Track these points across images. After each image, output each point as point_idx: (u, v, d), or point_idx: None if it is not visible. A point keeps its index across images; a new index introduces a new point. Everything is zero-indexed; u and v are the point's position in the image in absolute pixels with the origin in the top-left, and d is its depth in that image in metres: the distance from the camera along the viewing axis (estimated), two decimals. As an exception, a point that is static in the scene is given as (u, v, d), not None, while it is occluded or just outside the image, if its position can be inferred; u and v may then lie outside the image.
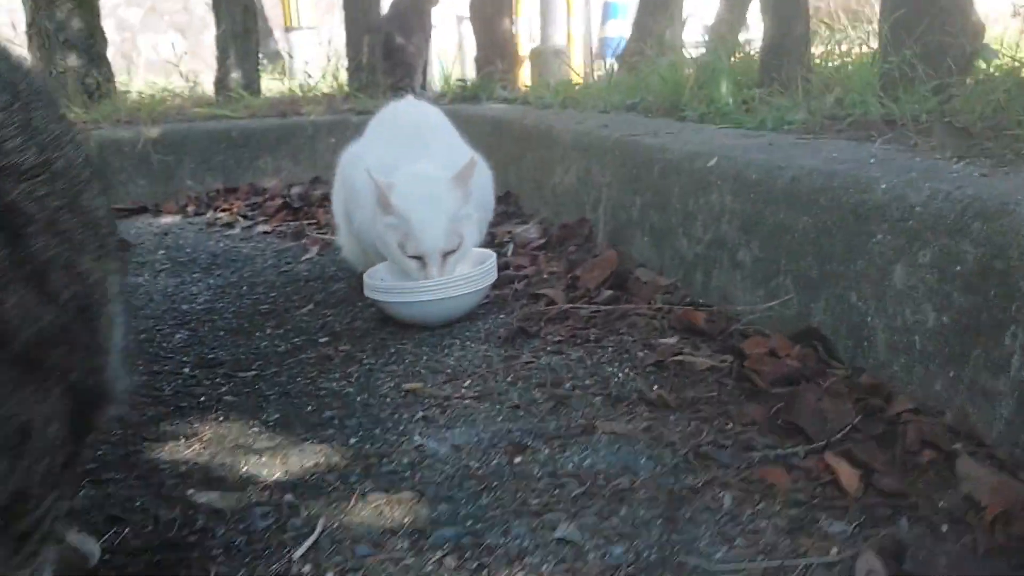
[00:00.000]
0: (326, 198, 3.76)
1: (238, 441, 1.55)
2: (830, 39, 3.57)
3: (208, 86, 6.21)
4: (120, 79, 5.84)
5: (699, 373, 1.72)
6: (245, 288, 2.70)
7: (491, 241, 2.95)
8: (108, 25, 5.82)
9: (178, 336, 2.22)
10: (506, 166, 3.83)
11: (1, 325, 0.68)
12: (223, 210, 4.02)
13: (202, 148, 4.56)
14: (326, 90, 5.94)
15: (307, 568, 1.14)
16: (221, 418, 1.66)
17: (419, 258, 2.13)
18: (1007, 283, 1.27)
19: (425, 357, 1.97)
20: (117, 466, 1.46)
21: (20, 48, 5.39)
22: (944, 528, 1.11)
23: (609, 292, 2.25)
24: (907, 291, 1.48)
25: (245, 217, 3.90)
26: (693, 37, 5.57)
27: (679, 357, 1.79)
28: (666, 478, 1.33)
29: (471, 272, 2.15)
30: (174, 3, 12.51)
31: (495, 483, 1.34)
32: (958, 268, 1.36)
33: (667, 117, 3.36)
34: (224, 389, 1.82)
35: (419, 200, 2.14)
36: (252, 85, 5.97)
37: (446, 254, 2.13)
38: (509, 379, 1.78)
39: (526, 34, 8.60)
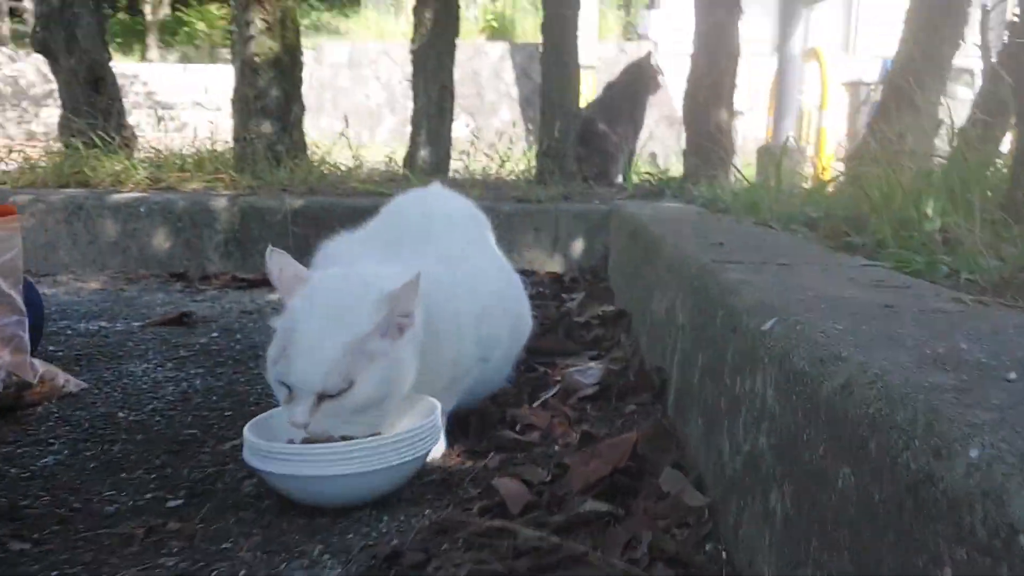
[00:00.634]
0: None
1: None
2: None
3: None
4: (341, 153, 5.86)
5: None
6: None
7: (539, 379, 2.24)
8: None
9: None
10: (630, 279, 3.09)
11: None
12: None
13: (341, 223, 4.29)
14: (507, 175, 5.53)
15: None
16: None
17: (289, 388, 1.51)
18: None
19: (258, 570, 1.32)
20: None
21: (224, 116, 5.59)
22: None
23: (595, 505, 1.46)
24: None
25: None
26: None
27: None
28: None
29: (359, 444, 1.48)
30: (467, 88, 13.04)
31: None
32: None
33: (836, 239, 2.48)
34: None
35: (316, 309, 1.52)
36: (441, 164, 5.74)
37: (323, 397, 1.48)
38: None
39: (762, 126, 7.70)
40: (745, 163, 6.25)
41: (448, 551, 1.34)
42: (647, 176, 5.08)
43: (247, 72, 5.30)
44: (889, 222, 2.40)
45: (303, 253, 1.68)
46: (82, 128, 5.26)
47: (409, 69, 5.81)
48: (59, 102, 5.54)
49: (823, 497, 1.01)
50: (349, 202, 4.37)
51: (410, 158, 5.78)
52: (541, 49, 5.50)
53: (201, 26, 19.29)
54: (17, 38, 16.63)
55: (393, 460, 1.51)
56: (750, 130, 9.14)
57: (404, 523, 1.49)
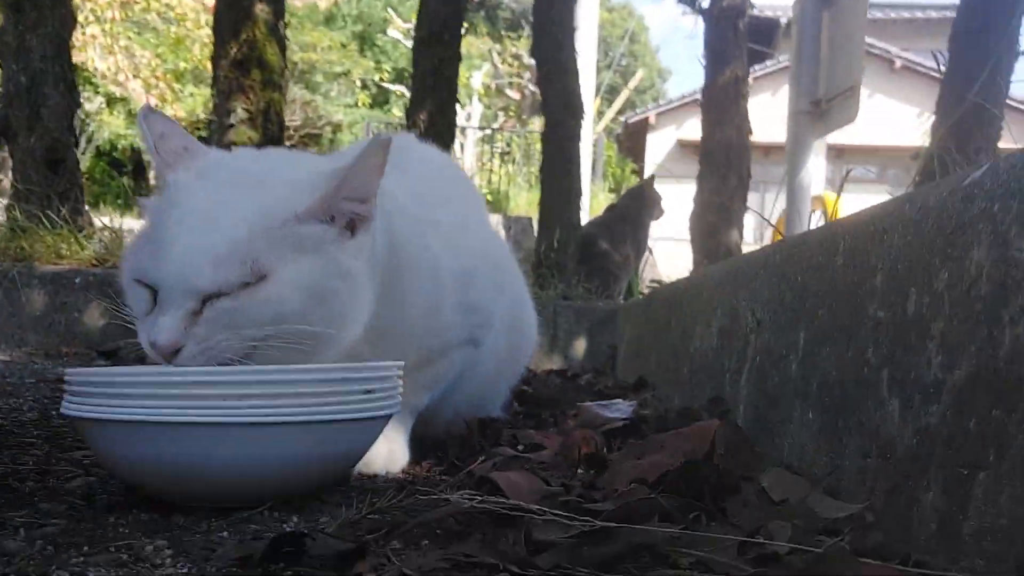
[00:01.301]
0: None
1: None
2: None
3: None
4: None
5: None
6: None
7: (543, 419, 1.62)
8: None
9: None
10: (649, 347, 2.51)
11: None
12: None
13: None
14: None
15: None
16: None
17: (152, 291, 0.94)
18: None
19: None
20: None
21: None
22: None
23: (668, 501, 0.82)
24: None
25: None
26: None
27: None
28: None
29: (282, 371, 0.87)
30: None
31: None
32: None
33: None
34: None
35: (214, 183, 0.99)
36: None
37: (207, 298, 0.89)
38: None
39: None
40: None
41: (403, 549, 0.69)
42: (653, 284, 4.58)
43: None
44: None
45: None
46: (31, 210, 4.77)
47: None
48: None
49: None
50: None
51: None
52: (540, 158, 5.17)
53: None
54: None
55: (338, 410, 0.88)
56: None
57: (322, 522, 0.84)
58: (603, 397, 2.22)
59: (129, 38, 16.09)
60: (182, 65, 17.18)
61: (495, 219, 13.21)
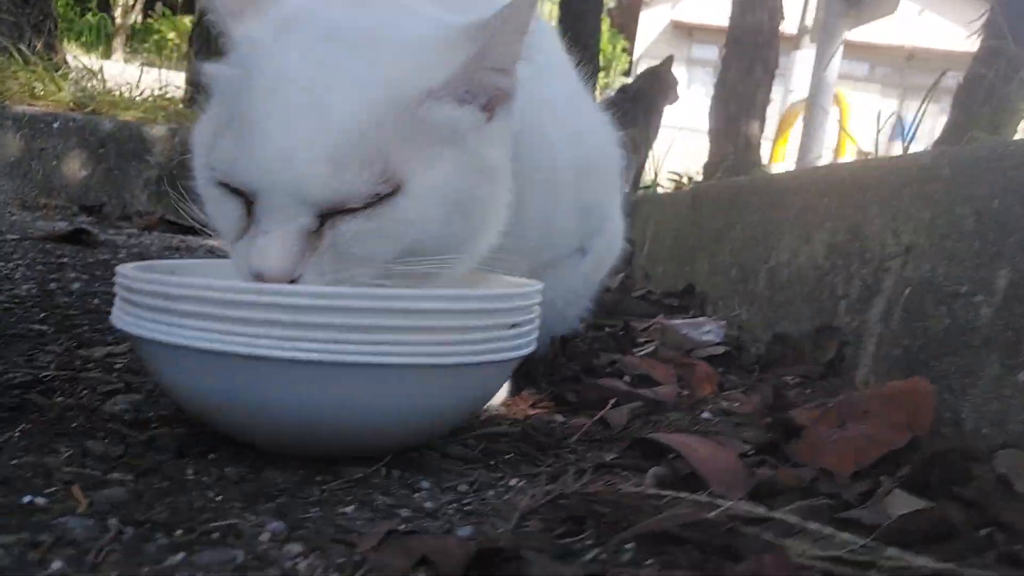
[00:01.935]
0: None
1: None
2: None
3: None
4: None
5: None
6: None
7: (616, 335, 1.43)
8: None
9: None
10: (696, 252, 2.30)
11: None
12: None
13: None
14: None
15: None
16: None
17: (246, 200, 0.67)
18: None
19: None
20: None
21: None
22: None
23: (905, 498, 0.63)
24: None
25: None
26: None
27: None
28: None
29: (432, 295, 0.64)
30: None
31: None
32: None
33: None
34: None
35: (313, 42, 0.71)
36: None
37: (326, 214, 0.65)
38: None
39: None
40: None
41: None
42: (672, 176, 4.35)
43: (213, 5, 4.45)
44: None
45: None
46: (1, 42, 4.32)
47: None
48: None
49: None
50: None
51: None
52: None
53: (172, 36, 18.43)
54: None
55: (483, 350, 0.67)
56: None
57: (466, 498, 0.64)
58: (652, 305, 2.04)
59: None
60: None
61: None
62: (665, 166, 4.82)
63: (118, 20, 17.87)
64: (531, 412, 0.96)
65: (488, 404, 0.94)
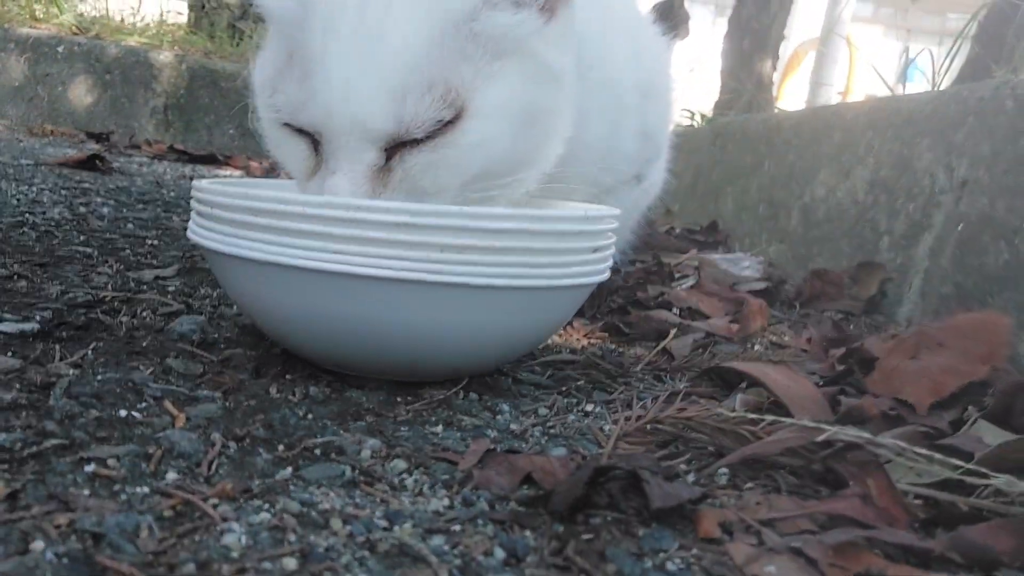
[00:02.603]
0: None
1: None
2: None
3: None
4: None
5: None
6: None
7: (652, 269, 1.42)
8: None
9: None
10: (720, 188, 2.28)
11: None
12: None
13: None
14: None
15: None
16: None
17: (312, 140, 0.66)
18: None
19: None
20: None
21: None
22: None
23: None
24: None
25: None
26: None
27: None
28: None
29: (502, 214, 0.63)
30: None
31: None
32: None
33: None
34: None
35: None
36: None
37: (393, 147, 0.64)
38: None
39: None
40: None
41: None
42: (685, 112, 4.29)
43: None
44: None
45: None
46: (-2, -39, 4.19)
47: None
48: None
49: None
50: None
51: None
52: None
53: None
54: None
55: (570, 273, 0.66)
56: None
57: (558, 418, 0.64)
58: (681, 240, 2.03)
59: None
60: None
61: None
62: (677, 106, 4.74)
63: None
64: (586, 343, 0.96)
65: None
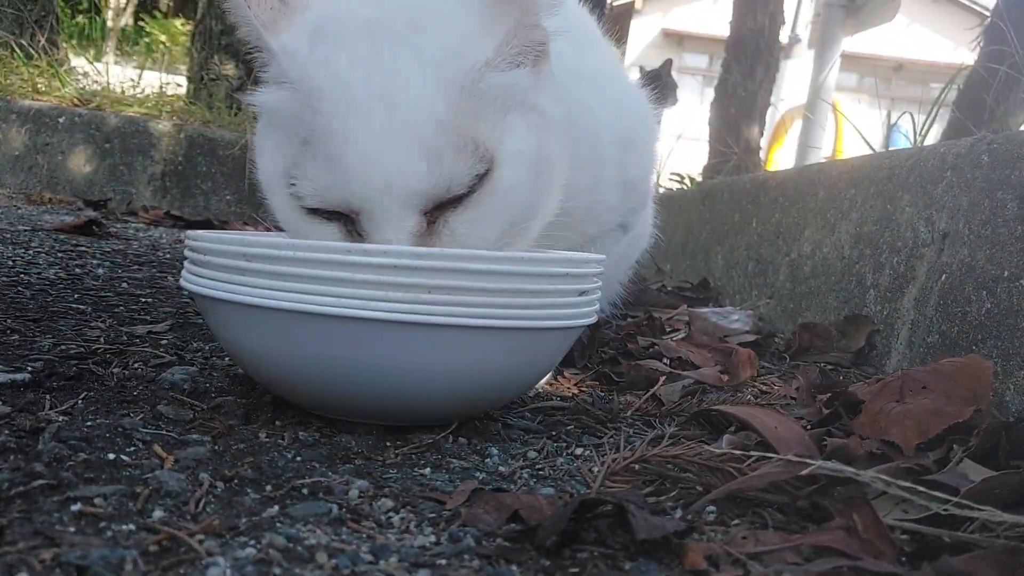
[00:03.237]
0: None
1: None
2: None
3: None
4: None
5: None
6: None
7: (644, 322, 1.43)
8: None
9: None
10: (710, 247, 2.31)
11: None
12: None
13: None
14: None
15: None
16: None
17: (345, 222, 0.69)
18: None
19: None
20: None
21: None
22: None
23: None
24: None
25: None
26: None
27: None
28: None
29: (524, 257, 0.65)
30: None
31: None
32: None
33: None
34: None
35: (343, 34, 0.71)
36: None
37: (433, 209, 0.67)
38: None
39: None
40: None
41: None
42: (675, 177, 4.36)
43: (215, 2, 4.45)
44: None
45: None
46: (3, 37, 4.30)
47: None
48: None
49: None
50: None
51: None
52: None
53: (163, 39, 18.36)
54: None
55: (558, 315, 0.68)
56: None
57: (544, 461, 0.65)
58: (671, 296, 2.05)
59: None
60: None
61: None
62: (665, 170, 4.84)
63: (109, 23, 17.77)
64: (576, 391, 0.97)
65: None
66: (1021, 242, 1.01)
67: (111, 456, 0.58)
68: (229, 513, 0.52)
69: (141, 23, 19.63)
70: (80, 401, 0.72)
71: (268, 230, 0.73)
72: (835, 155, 6.28)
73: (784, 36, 6.02)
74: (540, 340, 0.69)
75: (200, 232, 0.72)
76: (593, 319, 0.76)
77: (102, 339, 0.94)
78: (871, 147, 3.10)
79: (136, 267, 1.65)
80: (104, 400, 0.72)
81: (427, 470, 0.64)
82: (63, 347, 0.87)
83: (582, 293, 0.72)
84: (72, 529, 0.47)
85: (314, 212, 0.69)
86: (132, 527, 0.48)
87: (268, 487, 0.56)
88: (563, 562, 0.49)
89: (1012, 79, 2.76)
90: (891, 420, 0.74)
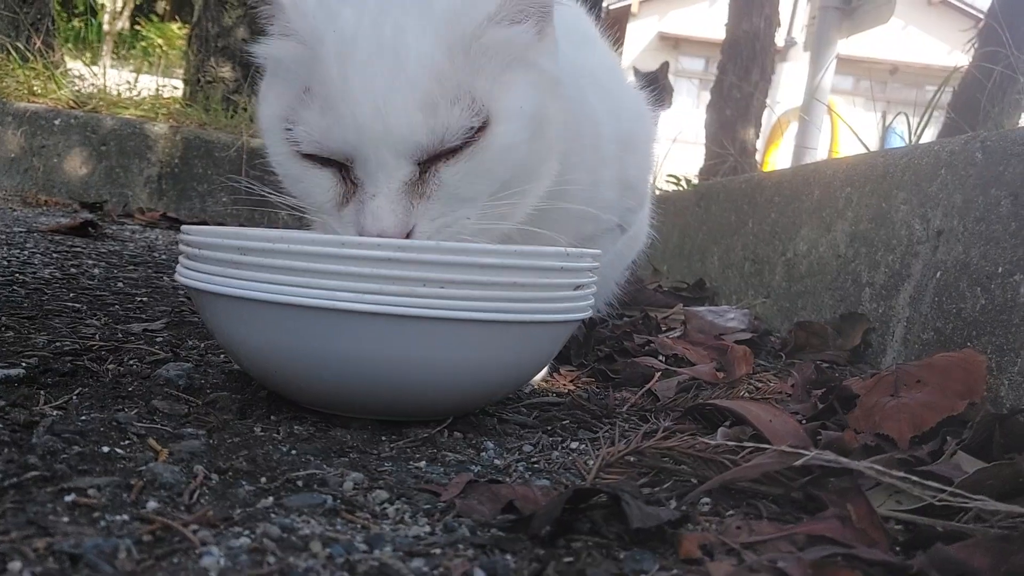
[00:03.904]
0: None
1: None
2: None
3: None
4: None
5: None
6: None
7: (640, 321, 1.43)
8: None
9: None
10: (706, 247, 2.32)
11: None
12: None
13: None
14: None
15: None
16: None
17: (339, 168, 0.68)
18: None
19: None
20: None
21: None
22: None
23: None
24: None
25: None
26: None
27: None
28: None
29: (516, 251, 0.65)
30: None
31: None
32: None
33: None
34: None
35: (359, 5, 0.71)
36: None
37: (427, 161, 0.66)
38: None
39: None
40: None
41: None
42: (671, 179, 4.36)
43: (211, 5, 4.45)
44: None
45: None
46: (-1, 40, 4.29)
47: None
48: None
49: None
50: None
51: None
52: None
53: (160, 42, 18.36)
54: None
55: (554, 308, 0.68)
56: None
57: (540, 454, 0.65)
58: (667, 296, 2.05)
59: None
60: None
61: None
62: (661, 172, 4.84)
63: (105, 26, 17.76)
64: (572, 388, 0.97)
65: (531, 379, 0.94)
66: (1015, 238, 1.01)
67: (105, 449, 0.58)
68: (223, 504, 0.52)
69: (137, 26, 19.65)
70: (75, 396, 0.71)
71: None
72: (832, 155, 6.29)
73: (780, 39, 6.04)
74: (536, 334, 0.69)
75: (194, 226, 0.72)
76: (588, 313, 0.76)
77: (97, 336, 0.94)
78: (867, 148, 3.11)
79: (132, 267, 1.65)
80: (99, 395, 0.72)
81: (422, 463, 0.64)
82: (58, 344, 0.87)
83: (577, 287, 0.72)
84: (65, 519, 0.47)
85: (309, 158, 0.70)
86: (126, 517, 0.48)
87: (263, 479, 0.56)
88: (558, 551, 0.49)
89: (1007, 79, 2.78)
90: (886, 414, 0.74)
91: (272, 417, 0.71)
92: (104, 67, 4.67)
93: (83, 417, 0.65)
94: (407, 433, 0.70)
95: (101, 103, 3.85)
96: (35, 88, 3.79)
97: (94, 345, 0.89)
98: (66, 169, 3.35)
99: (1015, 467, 0.60)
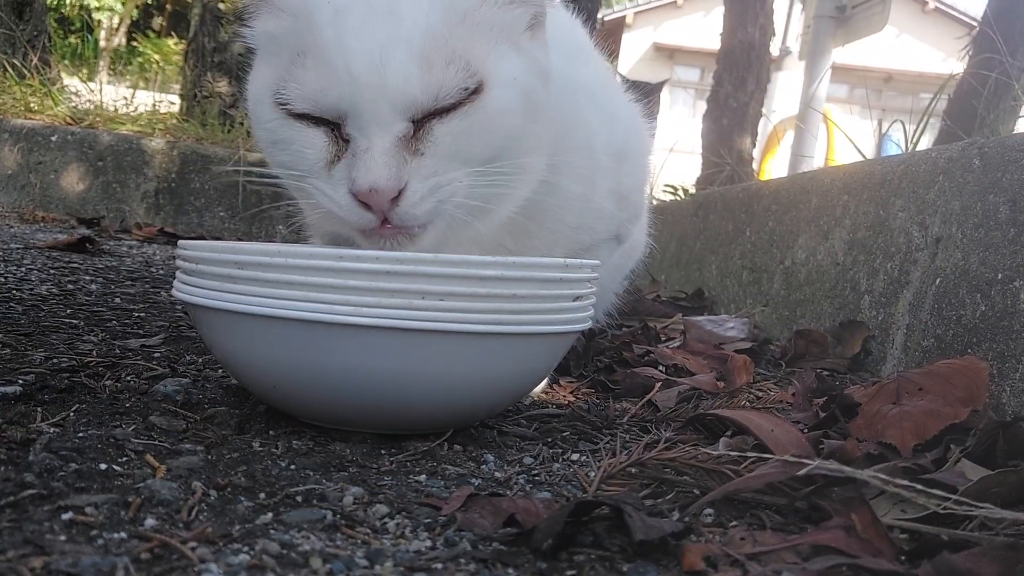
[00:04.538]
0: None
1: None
2: None
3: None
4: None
5: None
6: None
7: (639, 331, 1.43)
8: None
9: None
10: (704, 257, 2.32)
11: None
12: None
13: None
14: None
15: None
16: None
17: (333, 128, 0.69)
18: None
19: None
20: None
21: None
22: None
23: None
24: None
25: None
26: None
27: None
28: None
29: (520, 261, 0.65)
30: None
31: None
32: None
33: None
34: None
35: None
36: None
37: (421, 119, 0.67)
38: None
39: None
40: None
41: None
42: (668, 189, 4.37)
43: (208, 20, 4.47)
44: None
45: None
46: (-6, 56, 4.30)
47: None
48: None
49: None
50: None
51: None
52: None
53: (156, 58, 18.41)
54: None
55: (554, 320, 0.68)
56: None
57: (541, 467, 0.64)
58: (666, 306, 2.05)
59: None
60: None
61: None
62: (658, 182, 4.85)
63: (102, 43, 17.83)
64: (572, 399, 0.96)
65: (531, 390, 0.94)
66: (1014, 244, 1.01)
67: (103, 466, 0.58)
68: (222, 521, 0.51)
69: (134, 43, 19.69)
70: (72, 413, 0.71)
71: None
72: (828, 163, 6.30)
73: (775, 48, 6.06)
74: (535, 345, 0.69)
75: (192, 241, 0.72)
76: (587, 324, 0.76)
77: (94, 352, 0.93)
78: (863, 156, 3.12)
79: (129, 283, 1.65)
80: (96, 412, 0.72)
81: (422, 477, 0.63)
82: (55, 360, 0.87)
83: (577, 298, 0.72)
84: (63, 537, 0.46)
85: (301, 119, 0.70)
86: (124, 535, 0.47)
87: (262, 495, 0.56)
88: (560, 564, 0.48)
89: (1002, 86, 2.78)
90: (888, 422, 0.74)
91: (271, 432, 0.71)
92: (101, 83, 4.69)
93: (80, 434, 0.65)
94: (407, 447, 0.69)
95: (98, 119, 3.85)
96: (32, 104, 3.80)
97: (91, 361, 0.88)
98: (63, 185, 3.34)
99: (1020, 474, 0.60)
